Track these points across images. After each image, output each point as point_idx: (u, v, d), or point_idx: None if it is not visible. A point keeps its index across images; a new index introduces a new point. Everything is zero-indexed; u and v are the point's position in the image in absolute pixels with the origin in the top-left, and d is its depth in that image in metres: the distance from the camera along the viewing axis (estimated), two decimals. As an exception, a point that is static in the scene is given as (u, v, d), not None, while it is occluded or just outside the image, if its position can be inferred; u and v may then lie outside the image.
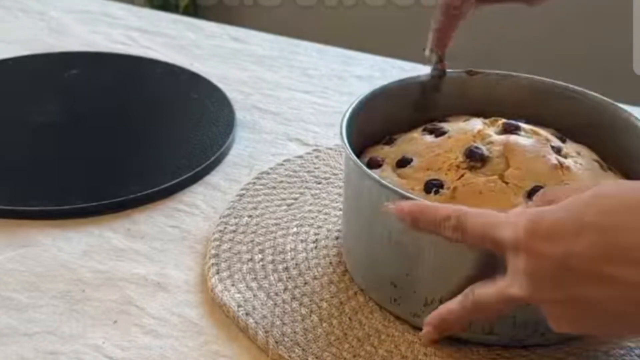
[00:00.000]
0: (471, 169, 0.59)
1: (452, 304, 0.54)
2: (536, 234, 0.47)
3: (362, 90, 0.66)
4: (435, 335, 0.57)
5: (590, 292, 0.46)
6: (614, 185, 0.49)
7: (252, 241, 0.66)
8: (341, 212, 0.66)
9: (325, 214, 0.70)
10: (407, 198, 0.54)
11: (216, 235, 0.67)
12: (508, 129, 0.62)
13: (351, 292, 0.62)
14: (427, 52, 0.68)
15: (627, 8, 1.47)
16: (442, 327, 0.56)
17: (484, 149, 0.59)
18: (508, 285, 0.49)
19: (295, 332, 0.58)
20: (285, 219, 0.69)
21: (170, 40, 1.03)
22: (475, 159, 0.59)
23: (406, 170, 0.61)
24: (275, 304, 0.60)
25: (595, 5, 1.81)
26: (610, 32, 1.72)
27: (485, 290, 0.52)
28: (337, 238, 0.67)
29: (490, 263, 0.53)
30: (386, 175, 0.61)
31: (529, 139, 0.61)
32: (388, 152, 0.64)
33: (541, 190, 0.53)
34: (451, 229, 0.51)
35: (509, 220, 0.49)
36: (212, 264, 0.64)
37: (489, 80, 0.69)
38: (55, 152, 0.80)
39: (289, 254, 0.65)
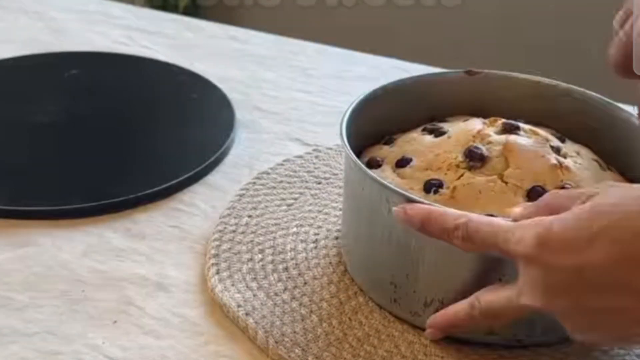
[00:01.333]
0: (471, 168, 0.59)
1: (459, 311, 0.54)
2: (547, 245, 0.47)
3: (362, 90, 0.66)
4: (439, 337, 0.57)
5: (605, 302, 0.46)
6: (619, 192, 0.49)
7: (252, 241, 0.66)
8: (341, 212, 0.66)
9: (325, 214, 0.70)
10: (408, 198, 0.54)
11: (216, 236, 0.67)
12: (508, 129, 0.62)
13: (351, 292, 0.62)
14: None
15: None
16: (447, 330, 0.56)
17: (484, 149, 0.59)
18: (519, 294, 0.49)
19: (295, 332, 0.58)
20: (285, 219, 0.69)
21: (170, 40, 1.03)
22: (474, 158, 0.59)
23: (406, 170, 0.61)
24: (275, 304, 0.60)
25: (596, 5, 1.81)
26: (611, 32, 1.72)
27: (494, 298, 0.52)
28: (337, 238, 0.67)
29: (491, 262, 0.53)
30: (386, 175, 0.61)
31: (529, 138, 0.61)
32: (388, 152, 0.64)
33: (545, 196, 0.53)
34: (460, 239, 0.51)
35: (518, 230, 0.49)
36: (212, 264, 0.64)
37: (489, 80, 0.69)
38: (55, 152, 0.80)
39: (289, 254, 0.65)
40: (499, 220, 0.51)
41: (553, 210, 0.49)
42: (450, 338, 0.57)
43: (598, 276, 0.46)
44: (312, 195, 0.73)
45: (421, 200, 0.55)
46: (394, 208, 0.54)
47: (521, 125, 0.62)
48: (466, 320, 0.54)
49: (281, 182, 0.74)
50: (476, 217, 0.51)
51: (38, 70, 0.94)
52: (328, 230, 0.68)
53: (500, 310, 0.52)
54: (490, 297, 0.52)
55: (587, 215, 0.47)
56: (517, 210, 0.53)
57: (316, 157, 0.78)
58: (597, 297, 0.46)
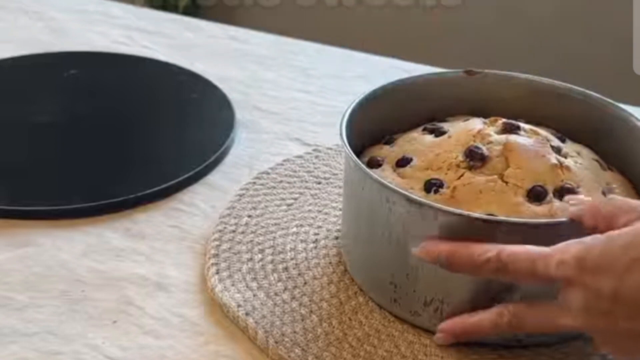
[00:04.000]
0: (471, 168, 0.59)
1: (483, 319, 0.54)
2: (587, 268, 0.47)
3: (362, 90, 0.66)
4: (450, 342, 0.56)
5: None
6: None
7: (251, 241, 0.66)
8: (341, 212, 0.66)
9: (325, 214, 0.70)
10: (409, 198, 0.54)
11: (216, 235, 0.67)
12: (508, 129, 0.62)
13: (351, 292, 0.62)
14: None
15: (627, 7, 1.47)
16: (462, 336, 0.56)
17: (484, 149, 0.59)
18: (558, 314, 0.50)
19: (295, 332, 0.58)
20: (285, 219, 0.69)
21: (170, 40, 1.03)
22: (475, 158, 0.59)
23: (406, 170, 0.61)
24: (275, 304, 0.60)
25: (595, 4, 1.81)
26: (610, 32, 1.72)
27: (529, 313, 0.52)
28: (337, 238, 0.67)
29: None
30: (386, 175, 0.61)
31: (529, 138, 0.61)
32: (388, 152, 0.64)
33: (600, 201, 0.53)
34: (493, 272, 0.51)
35: (558, 254, 0.49)
36: (212, 264, 0.64)
37: (489, 80, 0.69)
38: (55, 152, 0.80)
39: (289, 254, 0.65)
40: (533, 247, 0.50)
41: (603, 217, 0.50)
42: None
43: (634, 302, 0.46)
44: (312, 195, 0.72)
45: (427, 202, 0.55)
46: (414, 249, 0.54)
47: (522, 125, 0.62)
48: (490, 329, 0.53)
49: (281, 182, 0.74)
50: (508, 247, 0.51)
51: (38, 70, 0.94)
52: (328, 230, 0.68)
53: (533, 325, 0.52)
54: (524, 311, 0.52)
55: (624, 242, 0.47)
56: (572, 209, 0.53)
57: (316, 157, 0.78)
58: (634, 322, 0.47)
